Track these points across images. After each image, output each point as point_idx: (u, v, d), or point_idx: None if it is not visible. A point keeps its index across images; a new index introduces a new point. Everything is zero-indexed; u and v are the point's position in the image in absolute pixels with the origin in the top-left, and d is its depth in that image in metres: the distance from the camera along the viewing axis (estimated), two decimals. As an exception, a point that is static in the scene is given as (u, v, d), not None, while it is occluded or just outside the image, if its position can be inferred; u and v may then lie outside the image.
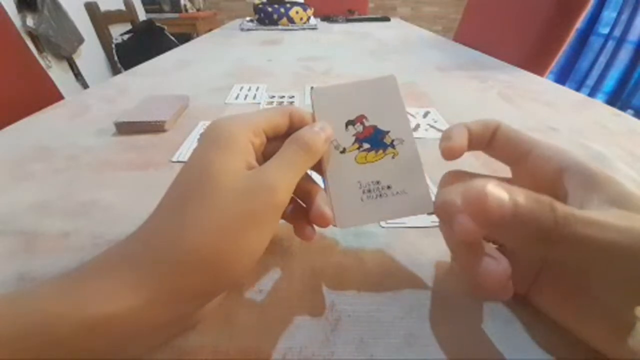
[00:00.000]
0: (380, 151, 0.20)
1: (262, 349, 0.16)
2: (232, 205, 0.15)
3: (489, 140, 0.19)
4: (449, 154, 0.18)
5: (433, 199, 0.19)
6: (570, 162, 0.16)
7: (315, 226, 0.19)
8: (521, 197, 0.12)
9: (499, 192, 0.12)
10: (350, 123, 0.21)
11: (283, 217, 0.21)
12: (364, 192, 0.20)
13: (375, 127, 0.21)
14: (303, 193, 0.20)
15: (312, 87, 0.21)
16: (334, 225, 0.19)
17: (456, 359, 0.16)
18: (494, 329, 0.17)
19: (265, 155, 0.19)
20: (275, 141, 0.19)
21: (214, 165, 0.15)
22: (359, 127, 0.21)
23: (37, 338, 0.11)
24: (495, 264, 0.14)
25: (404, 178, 0.20)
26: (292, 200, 0.20)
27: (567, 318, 0.16)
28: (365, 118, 0.21)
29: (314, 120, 0.20)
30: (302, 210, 0.20)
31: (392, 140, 0.20)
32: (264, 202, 0.15)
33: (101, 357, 0.13)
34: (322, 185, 0.20)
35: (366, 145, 0.20)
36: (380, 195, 0.20)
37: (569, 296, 0.16)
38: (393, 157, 0.20)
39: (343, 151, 0.20)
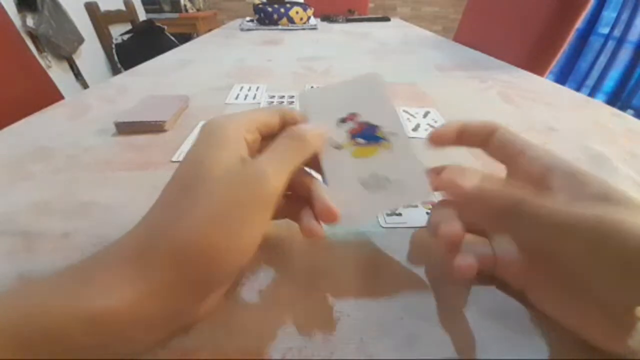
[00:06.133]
0: (375, 145, 0.21)
1: (262, 349, 0.16)
2: (223, 194, 0.15)
3: (486, 139, 0.20)
4: (434, 138, 0.20)
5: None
6: (557, 163, 0.17)
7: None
8: (488, 181, 0.16)
9: (471, 175, 0.16)
10: (342, 121, 0.21)
11: (287, 216, 0.21)
12: (363, 185, 0.20)
13: (367, 123, 0.21)
14: (306, 191, 0.20)
15: (299, 93, 0.22)
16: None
17: (456, 359, 0.16)
18: (494, 329, 0.17)
19: (259, 153, 0.20)
20: (269, 140, 0.19)
21: (206, 158, 0.16)
22: (351, 124, 0.21)
23: (36, 331, 0.12)
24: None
25: (400, 168, 0.20)
26: (295, 197, 0.20)
27: (565, 316, 0.16)
28: (356, 115, 0.21)
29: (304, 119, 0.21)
30: (306, 208, 0.20)
31: (385, 134, 0.21)
32: (254, 190, 0.16)
33: (100, 351, 0.13)
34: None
35: (360, 141, 0.21)
36: (379, 187, 0.20)
37: (565, 293, 0.16)
38: (387, 150, 0.21)
39: (338, 147, 0.21)
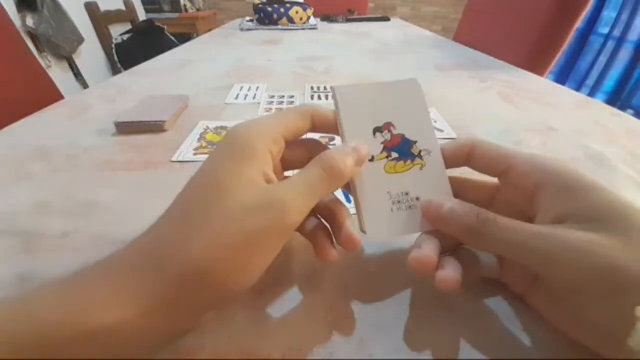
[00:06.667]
0: (409, 161, 0.20)
1: (262, 349, 0.16)
2: (241, 222, 0.14)
3: (467, 158, 0.20)
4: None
5: None
6: (546, 179, 0.17)
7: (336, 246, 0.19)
8: (458, 205, 0.17)
9: (441, 200, 0.17)
10: (378, 130, 0.20)
11: (303, 235, 0.20)
12: (394, 203, 0.19)
13: (402, 136, 0.20)
14: (327, 212, 0.19)
15: (332, 86, 0.21)
16: (364, 232, 0.19)
17: (456, 359, 0.16)
18: (494, 329, 0.17)
19: (282, 161, 0.19)
20: (294, 146, 0.19)
21: (228, 175, 0.15)
22: (387, 135, 0.20)
23: (34, 347, 0.11)
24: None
25: (431, 190, 0.20)
26: (310, 215, 0.19)
27: (561, 322, 0.16)
28: (393, 126, 0.20)
29: (336, 119, 0.20)
30: (323, 229, 0.19)
31: (420, 151, 0.20)
32: (273, 221, 0.15)
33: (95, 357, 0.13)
34: (342, 196, 0.20)
35: (395, 155, 0.20)
36: (410, 207, 0.19)
37: (561, 299, 0.16)
38: (421, 169, 0.20)
39: (372, 159, 0.20)
